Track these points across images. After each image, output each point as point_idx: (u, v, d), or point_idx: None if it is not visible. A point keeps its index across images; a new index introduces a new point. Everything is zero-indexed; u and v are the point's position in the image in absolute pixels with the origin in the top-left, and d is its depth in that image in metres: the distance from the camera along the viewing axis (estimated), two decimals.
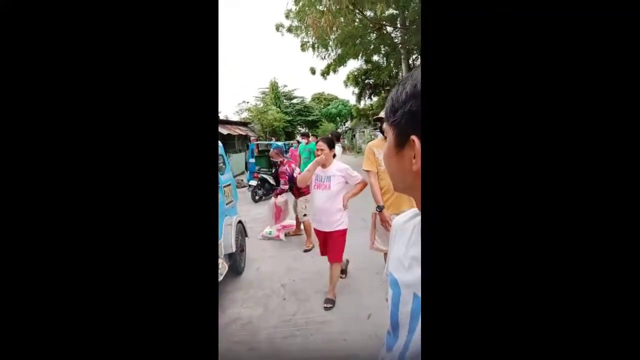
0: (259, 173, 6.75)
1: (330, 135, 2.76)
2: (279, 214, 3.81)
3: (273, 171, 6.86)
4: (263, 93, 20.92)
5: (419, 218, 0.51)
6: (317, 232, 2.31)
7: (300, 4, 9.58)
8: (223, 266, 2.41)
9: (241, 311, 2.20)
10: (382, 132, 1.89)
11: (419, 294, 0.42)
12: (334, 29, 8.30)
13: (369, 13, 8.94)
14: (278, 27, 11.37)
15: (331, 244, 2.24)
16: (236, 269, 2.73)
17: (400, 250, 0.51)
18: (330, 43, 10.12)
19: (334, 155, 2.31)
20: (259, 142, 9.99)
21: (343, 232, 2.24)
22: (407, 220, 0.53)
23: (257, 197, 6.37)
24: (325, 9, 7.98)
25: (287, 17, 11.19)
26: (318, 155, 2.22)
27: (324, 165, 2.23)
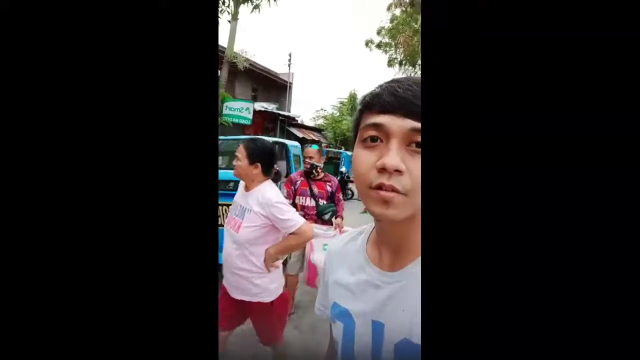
0: None
1: (255, 141, 1.30)
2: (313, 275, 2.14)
3: (338, 178, 7.04)
4: (341, 103, 21.54)
5: (360, 239, 0.49)
6: (226, 298, 1.27)
7: (395, 22, 9.66)
8: None
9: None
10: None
11: (380, 319, 0.41)
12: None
13: None
14: (367, 43, 11.66)
15: (254, 321, 1.28)
16: None
17: (343, 276, 0.47)
18: (418, 61, 9.93)
19: (268, 175, 1.27)
20: (329, 149, 10.30)
21: (268, 306, 1.23)
22: (345, 244, 0.50)
23: None
24: (418, 28, 7.90)
25: (378, 33, 11.42)
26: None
27: (246, 187, 1.27)
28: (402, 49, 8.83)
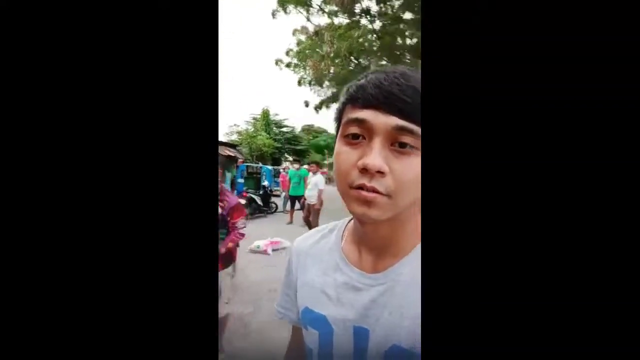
0: (247, 193, 7.06)
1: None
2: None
3: (261, 192, 7.24)
4: (254, 118, 21.66)
5: (333, 236, 0.46)
6: None
7: (302, 46, 10.59)
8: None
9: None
10: None
11: (363, 324, 0.38)
12: (331, 71, 9.22)
13: (362, 61, 10.00)
14: (277, 62, 12.33)
15: None
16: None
17: (316, 278, 0.44)
18: (327, 83, 11.03)
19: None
20: (248, 164, 10.36)
21: None
22: (316, 243, 0.47)
23: None
24: (325, 54, 8.91)
25: (287, 54, 12.22)
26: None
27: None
28: (312, 71, 9.73)
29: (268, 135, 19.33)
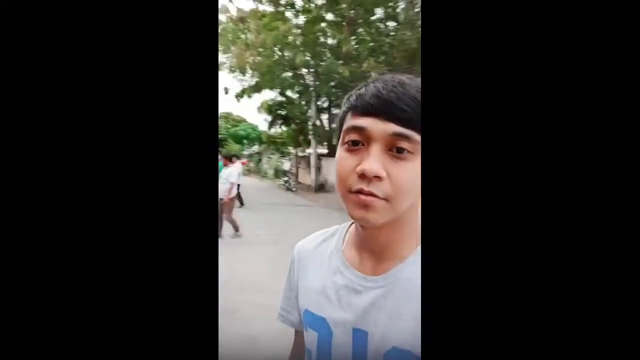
0: None
1: None
2: None
3: None
4: None
5: (335, 240, 0.47)
6: None
7: (222, 27, 9.94)
8: None
9: None
10: None
11: (362, 327, 0.39)
12: (255, 60, 8.98)
13: (286, 54, 10.02)
14: None
15: None
16: None
17: (317, 281, 0.45)
18: (249, 71, 10.66)
19: None
20: None
21: None
22: (317, 246, 0.48)
23: None
24: (250, 43, 8.60)
25: None
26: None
27: None
28: (236, 60, 9.27)
29: None
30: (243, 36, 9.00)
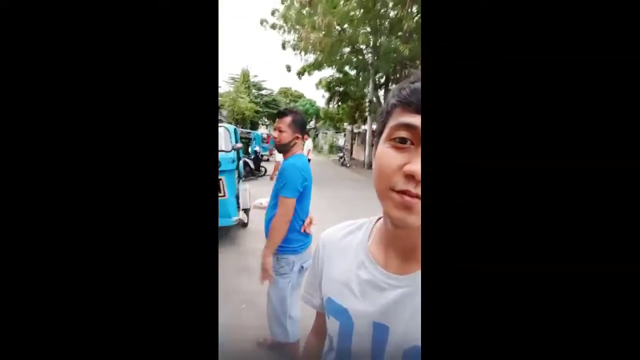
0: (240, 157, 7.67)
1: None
2: None
3: (253, 157, 7.84)
4: (232, 79, 21.05)
5: (361, 233, 0.47)
6: None
7: (291, 10, 10.51)
8: (243, 216, 3.45)
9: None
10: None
11: (383, 322, 0.40)
12: (319, 41, 9.48)
13: (347, 28, 10.25)
14: (262, 22, 12.11)
15: None
16: (243, 223, 3.77)
17: (341, 272, 0.46)
18: (311, 49, 11.17)
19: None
20: (241, 129, 10.73)
21: None
22: (343, 237, 0.48)
23: (240, 176, 7.62)
24: (317, 26, 9.09)
25: (272, 14, 11.99)
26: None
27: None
28: (302, 43, 9.86)
29: (250, 99, 19.12)
30: (311, 19, 9.48)
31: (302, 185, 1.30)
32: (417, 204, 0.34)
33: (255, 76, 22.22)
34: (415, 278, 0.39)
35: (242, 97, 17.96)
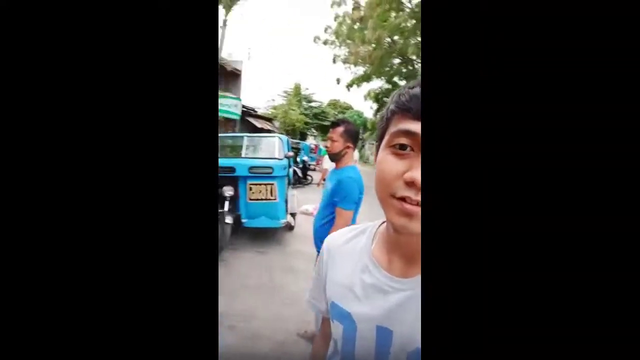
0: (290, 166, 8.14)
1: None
2: None
3: (301, 166, 8.24)
4: (286, 92, 22.26)
5: (365, 238, 0.47)
6: None
7: (338, 23, 10.92)
8: (290, 220, 3.67)
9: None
10: None
11: (386, 325, 0.40)
12: (370, 56, 9.67)
13: (397, 39, 10.26)
14: (315, 39, 12.75)
15: None
16: (290, 226, 3.98)
17: (345, 276, 0.46)
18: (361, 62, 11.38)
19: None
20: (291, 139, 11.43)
21: None
22: (347, 242, 0.49)
23: (290, 183, 8.19)
24: (367, 40, 9.31)
25: (325, 31, 12.57)
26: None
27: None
28: (352, 57, 10.16)
29: (300, 111, 20.07)
30: (361, 34, 9.73)
31: (358, 197, 1.36)
32: (418, 211, 0.34)
33: (307, 89, 23.28)
34: (417, 281, 0.39)
35: (294, 110, 18.89)
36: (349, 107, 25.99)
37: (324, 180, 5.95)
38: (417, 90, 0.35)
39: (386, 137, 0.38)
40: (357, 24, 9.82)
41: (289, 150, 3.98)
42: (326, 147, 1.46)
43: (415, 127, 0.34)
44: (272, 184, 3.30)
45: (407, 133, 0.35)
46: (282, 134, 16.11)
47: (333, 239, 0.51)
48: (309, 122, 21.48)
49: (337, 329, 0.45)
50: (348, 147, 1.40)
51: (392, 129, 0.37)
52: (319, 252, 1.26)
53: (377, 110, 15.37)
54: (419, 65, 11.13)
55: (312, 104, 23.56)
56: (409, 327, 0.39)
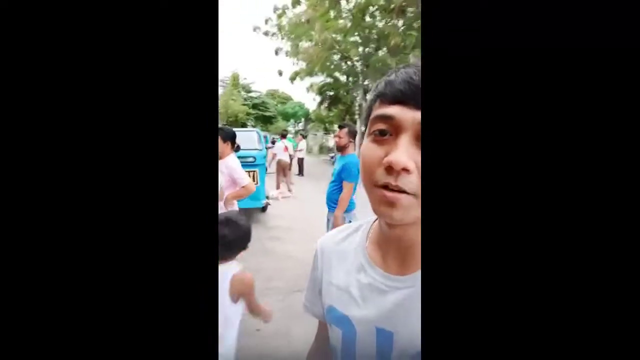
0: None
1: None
2: None
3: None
4: (222, 81, 21.48)
5: (359, 236, 0.46)
6: None
7: (277, 15, 11.36)
8: (267, 201, 4.43)
9: None
10: None
11: (386, 327, 0.39)
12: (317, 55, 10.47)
13: (339, 38, 11.20)
14: (255, 29, 12.84)
15: None
16: (265, 207, 4.64)
17: (340, 278, 0.45)
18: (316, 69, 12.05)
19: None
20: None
21: None
22: (341, 241, 0.48)
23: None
24: (315, 42, 10.03)
25: (266, 22, 12.76)
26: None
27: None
28: (303, 57, 10.80)
29: (241, 101, 19.70)
30: (304, 31, 10.36)
31: (356, 174, 2.08)
32: (400, 198, 0.33)
33: (245, 79, 22.85)
34: (416, 278, 0.38)
35: (234, 100, 18.51)
36: (288, 98, 26.33)
37: (272, 159, 6.91)
38: (393, 76, 0.36)
39: (367, 127, 0.38)
40: (302, 19, 10.43)
41: (267, 143, 4.66)
42: (335, 141, 2.27)
43: (391, 110, 0.34)
44: (254, 171, 4.08)
45: (383, 117, 0.35)
46: (223, 124, 15.86)
47: (327, 239, 0.50)
48: (250, 112, 21.25)
49: (336, 334, 0.44)
50: (350, 142, 2.19)
51: (372, 116, 0.37)
52: (329, 210, 2.20)
53: (320, 102, 16.27)
54: (359, 63, 12.30)
55: (252, 94, 23.25)
56: (410, 328, 0.37)
